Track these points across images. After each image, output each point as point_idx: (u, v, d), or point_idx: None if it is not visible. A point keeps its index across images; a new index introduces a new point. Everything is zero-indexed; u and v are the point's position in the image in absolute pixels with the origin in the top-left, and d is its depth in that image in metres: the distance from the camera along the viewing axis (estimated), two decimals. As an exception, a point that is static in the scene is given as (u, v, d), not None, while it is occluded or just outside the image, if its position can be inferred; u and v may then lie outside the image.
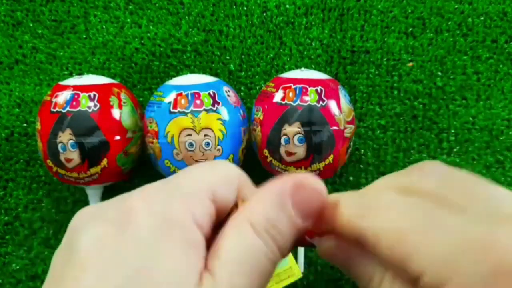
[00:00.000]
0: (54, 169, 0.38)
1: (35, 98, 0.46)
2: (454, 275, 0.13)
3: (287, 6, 0.46)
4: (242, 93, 0.46)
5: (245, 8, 0.47)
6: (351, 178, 0.44)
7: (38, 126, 0.38)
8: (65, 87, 0.38)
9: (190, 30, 0.47)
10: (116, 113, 0.38)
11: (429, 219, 0.15)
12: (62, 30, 0.47)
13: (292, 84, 0.38)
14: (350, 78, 0.45)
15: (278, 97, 0.38)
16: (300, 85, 0.38)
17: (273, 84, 0.39)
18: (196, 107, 0.37)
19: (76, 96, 0.37)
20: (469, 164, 0.44)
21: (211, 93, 0.37)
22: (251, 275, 0.16)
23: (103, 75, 0.43)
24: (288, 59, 0.46)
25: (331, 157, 0.38)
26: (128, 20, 0.47)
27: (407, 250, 0.14)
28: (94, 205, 0.18)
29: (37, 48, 0.47)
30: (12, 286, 0.44)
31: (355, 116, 0.40)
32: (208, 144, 0.37)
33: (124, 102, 0.39)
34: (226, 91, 0.39)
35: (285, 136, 0.37)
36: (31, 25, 0.48)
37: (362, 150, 0.45)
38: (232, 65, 0.46)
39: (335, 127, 0.37)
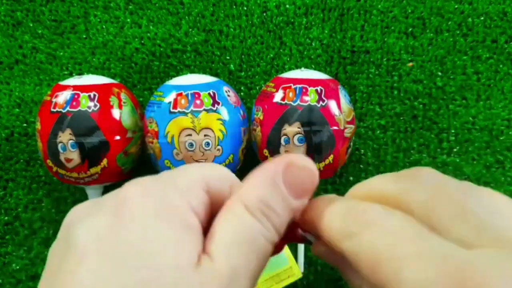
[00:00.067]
0: (54, 169, 0.38)
1: (35, 98, 0.46)
2: None
3: (287, 6, 0.46)
4: (242, 93, 0.46)
5: (245, 8, 0.47)
6: (351, 178, 0.44)
7: (38, 126, 0.38)
8: (65, 87, 0.38)
9: (190, 30, 0.47)
10: (116, 113, 0.38)
11: (410, 244, 0.14)
12: (62, 30, 0.47)
13: (292, 84, 0.38)
14: (350, 78, 0.45)
15: (278, 97, 0.38)
16: (300, 85, 0.38)
17: (273, 84, 0.39)
18: (196, 107, 0.37)
19: (76, 96, 0.37)
20: (469, 164, 0.44)
21: (211, 93, 0.37)
22: (249, 254, 0.16)
23: (103, 75, 0.43)
24: (288, 59, 0.46)
25: (331, 157, 0.38)
26: (128, 20, 0.47)
27: (384, 276, 0.14)
28: (88, 201, 0.18)
29: (37, 48, 0.47)
30: (12, 286, 0.44)
31: (355, 116, 0.40)
32: (208, 144, 0.37)
33: (124, 102, 0.39)
34: (226, 91, 0.39)
35: (285, 136, 0.37)
36: (31, 25, 0.48)
37: (362, 150, 0.45)
38: (232, 65, 0.46)
39: (335, 127, 0.37)
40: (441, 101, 0.45)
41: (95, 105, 0.37)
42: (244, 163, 0.40)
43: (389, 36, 0.45)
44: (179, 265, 0.15)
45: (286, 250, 0.40)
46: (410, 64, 0.45)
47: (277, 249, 0.19)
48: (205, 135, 0.37)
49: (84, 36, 0.47)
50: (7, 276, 0.44)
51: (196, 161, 0.37)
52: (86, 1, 0.48)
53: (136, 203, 0.16)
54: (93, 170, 0.38)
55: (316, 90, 0.37)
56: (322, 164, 0.38)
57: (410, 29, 0.45)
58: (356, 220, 0.16)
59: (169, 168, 0.38)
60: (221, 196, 0.18)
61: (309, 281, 0.43)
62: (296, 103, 0.37)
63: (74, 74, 0.47)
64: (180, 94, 0.37)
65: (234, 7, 0.47)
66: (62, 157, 0.37)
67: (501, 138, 0.44)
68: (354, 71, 0.45)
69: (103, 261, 0.15)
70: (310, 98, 0.37)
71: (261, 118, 0.38)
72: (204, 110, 0.37)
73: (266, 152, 0.39)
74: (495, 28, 0.45)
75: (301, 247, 0.41)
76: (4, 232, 0.45)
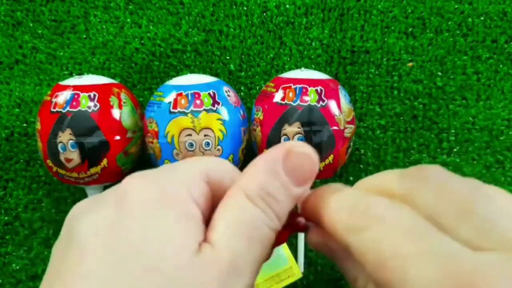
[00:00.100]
0: (54, 169, 0.38)
1: (35, 98, 0.46)
2: None
3: (287, 6, 0.46)
4: (242, 93, 0.46)
5: (245, 8, 0.47)
6: (351, 178, 0.44)
7: (38, 126, 0.38)
8: (65, 87, 0.38)
9: (190, 30, 0.47)
10: (116, 113, 0.38)
11: (417, 242, 0.14)
12: (62, 30, 0.47)
13: (292, 84, 0.38)
14: (350, 78, 0.45)
15: (278, 97, 0.38)
16: (300, 85, 0.38)
17: (273, 84, 0.39)
18: (196, 107, 0.37)
19: (76, 96, 0.37)
20: (469, 164, 0.44)
21: (211, 93, 0.37)
22: (250, 242, 0.16)
23: (103, 75, 0.43)
24: (288, 59, 0.46)
25: (331, 157, 0.38)
26: (128, 20, 0.47)
27: (390, 275, 0.14)
28: (90, 197, 0.18)
29: (37, 48, 0.47)
30: (12, 286, 0.44)
31: (355, 116, 0.40)
32: (208, 144, 0.37)
33: (124, 102, 0.39)
34: (226, 91, 0.39)
35: (285, 136, 0.37)
36: (31, 25, 0.48)
37: (362, 150, 0.45)
38: (232, 65, 0.46)
39: (335, 127, 0.37)
40: (441, 101, 0.45)
41: (95, 105, 0.37)
42: (244, 163, 0.40)
43: (389, 36, 0.45)
44: (179, 253, 0.15)
45: (286, 250, 0.40)
46: (410, 64, 0.45)
47: (280, 239, 0.19)
48: (205, 135, 0.37)
49: (84, 36, 0.47)
50: (7, 276, 0.44)
51: (196, 161, 0.37)
52: (86, 1, 0.48)
53: (137, 196, 0.16)
54: (93, 170, 0.38)
55: (316, 90, 0.37)
56: (322, 164, 0.38)
57: (410, 29, 0.45)
58: (363, 214, 0.16)
59: (169, 168, 0.38)
60: (222, 187, 0.18)
61: (309, 281, 0.43)
62: (296, 103, 0.37)
63: (74, 74, 0.47)
64: (180, 94, 0.37)
65: (234, 7, 0.47)
66: (62, 157, 0.37)
67: (501, 138, 0.44)
68: (354, 71, 0.45)
69: (105, 255, 0.15)
70: (310, 98, 0.37)
71: (261, 118, 0.38)
72: (204, 110, 0.37)
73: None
74: (495, 28, 0.45)
75: (301, 247, 0.41)
76: (4, 232, 0.45)
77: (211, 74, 0.43)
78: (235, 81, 0.46)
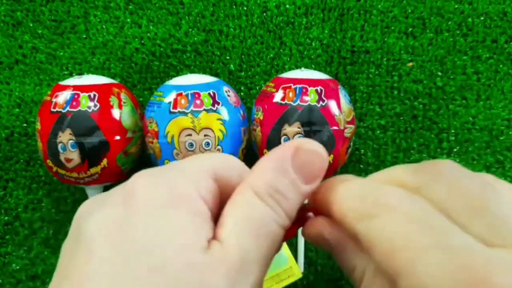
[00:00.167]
0: (54, 169, 0.38)
1: (35, 98, 0.46)
2: None
3: (287, 6, 0.46)
4: (242, 93, 0.46)
5: (245, 8, 0.47)
6: (351, 178, 0.44)
7: (38, 126, 0.38)
8: (65, 87, 0.38)
9: (190, 30, 0.47)
10: (116, 113, 0.38)
11: (430, 234, 0.14)
12: (62, 30, 0.47)
13: (292, 84, 0.38)
14: (350, 78, 0.45)
15: (278, 97, 0.38)
16: (300, 85, 0.38)
17: (273, 84, 0.39)
18: (196, 107, 0.37)
19: (76, 96, 0.37)
20: (469, 164, 0.44)
21: (211, 93, 0.37)
22: (259, 239, 0.16)
23: (103, 75, 0.43)
24: (288, 59, 0.46)
25: (331, 157, 0.38)
26: (128, 20, 0.47)
27: (399, 266, 0.14)
28: (98, 195, 0.18)
29: (37, 48, 0.47)
30: (12, 286, 0.44)
31: (355, 116, 0.40)
32: (208, 144, 0.37)
33: (124, 102, 0.39)
34: (226, 91, 0.39)
35: (285, 136, 0.37)
36: (31, 25, 0.48)
37: (362, 150, 0.45)
38: (232, 65, 0.46)
39: (335, 127, 0.37)
40: (441, 101, 0.45)
41: (95, 105, 0.37)
42: (244, 163, 0.40)
43: (389, 36, 0.45)
44: (188, 250, 0.15)
45: (286, 250, 0.40)
46: (410, 64, 0.45)
47: (289, 234, 0.19)
48: (205, 135, 0.37)
49: (84, 36, 0.47)
50: (7, 276, 0.44)
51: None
52: (86, 1, 0.48)
53: (144, 194, 0.16)
54: (93, 170, 0.38)
55: (316, 90, 0.37)
56: (322, 164, 0.38)
57: (410, 29, 0.45)
58: (375, 202, 0.16)
59: (169, 168, 0.38)
60: (230, 184, 0.18)
61: (309, 281, 0.43)
62: (296, 103, 0.37)
63: (74, 74, 0.47)
64: (180, 94, 0.37)
65: (234, 7, 0.47)
66: (62, 157, 0.37)
67: (501, 138, 0.44)
68: (354, 71, 0.45)
69: (113, 254, 0.15)
70: (310, 98, 0.37)
71: (261, 118, 0.38)
72: (204, 110, 0.37)
73: (266, 152, 0.39)
74: (495, 28, 0.45)
75: (301, 247, 0.41)
76: (4, 232, 0.45)
77: (211, 74, 0.43)
78: (235, 81, 0.46)
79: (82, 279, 0.14)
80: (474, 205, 0.15)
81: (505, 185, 0.16)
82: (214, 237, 0.16)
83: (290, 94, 0.37)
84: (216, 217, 0.17)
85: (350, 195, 0.17)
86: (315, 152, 0.18)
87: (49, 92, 0.39)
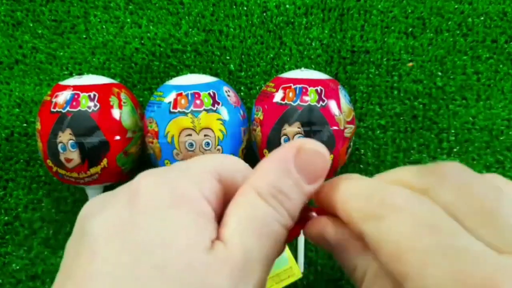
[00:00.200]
0: (54, 169, 0.38)
1: (35, 98, 0.46)
2: None
3: (287, 6, 0.46)
4: (242, 93, 0.46)
5: (245, 8, 0.47)
6: (351, 178, 0.44)
7: (38, 126, 0.38)
8: (65, 87, 0.38)
9: (190, 30, 0.47)
10: (116, 113, 0.38)
11: (439, 237, 0.14)
12: (62, 30, 0.47)
13: (292, 84, 0.38)
14: (350, 78, 0.45)
15: (278, 97, 0.38)
16: (300, 85, 0.38)
17: (273, 84, 0.39)
18: (196, 107, 0.37)
19: (76, 96, 0.37)
20: (469, 164, 0.44)
21: (211, 93, 0.37)
22: (262, 239, 0.16)
23: (103, 75, 0.43)
24: (288, 59, 0.46)
25: (331, 157, 0.38)
26: (128, 20, 0.47)
27: (406, 268, 0.14)
28: (102, 194, 0.18)
29: (37, 48, 0.47)
30: (12, 286, 0.44)
31: (355, 116, 0.40)
32: (208, 144, 0.37)
33: (124, 102, 0.39)
34: (226, 91, 0.39)
35: (285, 136, 0.37)
36: (31, 25, 0.48)
37: (362, 150, 0.45)
38: (232, 65, 0.46)
39: (335, 127, 0.37)
40: (441, 101, 0.45)
41: (95, 105, 0.37)
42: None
43: (389, 36, 0.45)
44: (190, 250, 0.15)
45: (286, 250, 0.40)
46: (410, 64, 0.45)
47: (292, 235, 0.19)
48: (205, 135, 0.37)
49: (84, 36, 0.47)
50: (7, 276, 0.44)
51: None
52: (86, 1, 0.48)
53: (148, 194, 0.16)
54: (93, 170, 0.38)
55: (316, 90, 0.37)
56: (322, 164, 0.38)
57: (410, 29, 0.45)
58: (381, 202, 0.15)
59: (169, 168, 0.38)
60: (234, 185, 0.18)
61: (309, 281, 0.43)
62: (296, 103, 0.37)
63: (74, 74, 0.47)
64: (180, 94, 0.37)
65: (234, 7, 0.47)
66: (62, 157, 0.37)
67: (501, 138, 0.44)
68: (354, 71, 0.45)
69: (116, 254, 0.15)
70: (310, 98, 0.37)
71: (261, 118, 0.38)
72: (204, 110, 0.37)
73: (266, 152, 0.39)
74: (495, 28, 0.45)
75: (301, 247, 0.41)
76: (4, 232, 0.45)
77: (211, 74, 0.43)
78: (235, 81, 0.46)
79: (85, 279, 0.14)
80: (483, 210, 0.14)
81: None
82: (218, 237, 0.16)
83: (290, 94, 0.37)
84: (220, 217, 0.17)
85: (355, 194, 0.17)
86: (317, 152, 0.18)
87: (49, 92, 0.39)
